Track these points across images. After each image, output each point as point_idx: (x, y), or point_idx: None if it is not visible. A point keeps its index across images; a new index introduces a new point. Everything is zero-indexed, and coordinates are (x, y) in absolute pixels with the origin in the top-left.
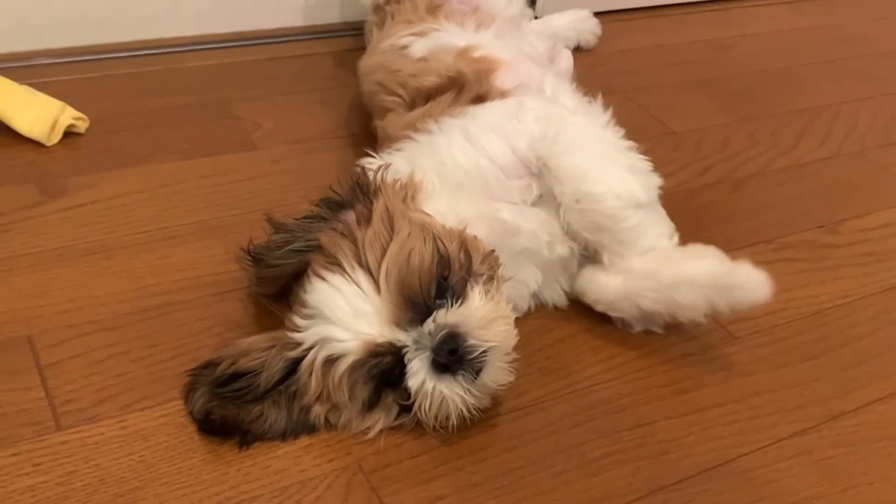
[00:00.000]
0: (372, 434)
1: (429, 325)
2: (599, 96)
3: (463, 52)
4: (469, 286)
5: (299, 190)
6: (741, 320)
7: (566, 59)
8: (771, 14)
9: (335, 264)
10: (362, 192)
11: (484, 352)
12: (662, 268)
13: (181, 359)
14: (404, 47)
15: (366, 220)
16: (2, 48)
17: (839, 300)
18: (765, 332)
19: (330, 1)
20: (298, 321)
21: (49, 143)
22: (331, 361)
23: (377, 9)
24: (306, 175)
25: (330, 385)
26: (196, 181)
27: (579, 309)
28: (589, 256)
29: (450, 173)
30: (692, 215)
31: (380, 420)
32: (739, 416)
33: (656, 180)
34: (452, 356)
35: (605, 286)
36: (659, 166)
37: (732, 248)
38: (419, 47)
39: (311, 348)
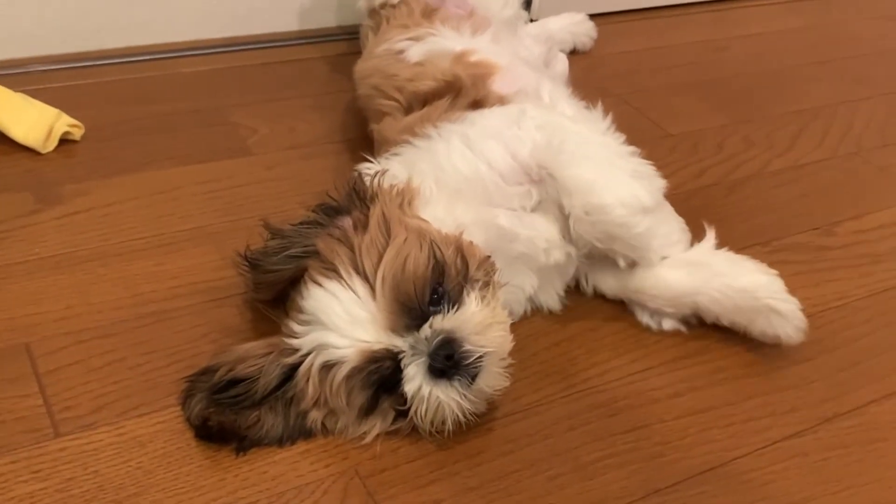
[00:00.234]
0: (369, 439)
1: (425, 330)
2: (599, 103)
3: (459, 57)
4: (465, 292)
5: (295, 196)
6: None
7: (561, 63)
8: (767, 15)
9: (332, 270)
10: (359, 198)
11: (480, 357)
12: (729, 269)
13: (178, 365)
14: (400, 52)
15: (362, 226)
16: None
17: (835, 302)
18: None
19: (325, 5)
20: (295, 327)
21: (45, 151)
22: (328, 367)
23: (373, 13)
24: (302, 181)
25: (327, 391)
26: (191, 188)
27: (574, 313)
28: (590, 260)
29: (448, 179)
30: (688, 217)
31: (376, 425)
32: (734, 418)
33: (660, 183)
34: (448, 361)
35: (670, 282)
36: (655, 168)
37: (729, 251)
38: (415, 52)
39: (308, 354)
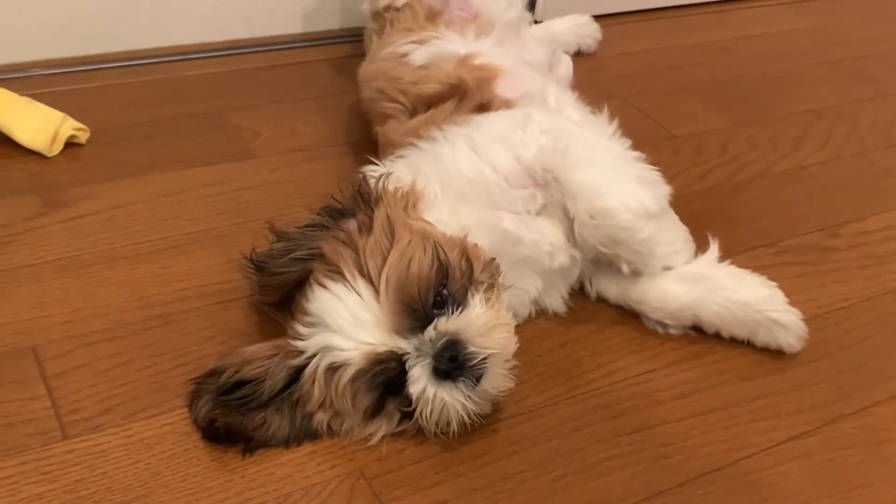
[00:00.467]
0: (374, 440)
1: (430, 332)
2: (605, 108)
3: (464, 60)
4: (470, 294)
5: (299, 198)
6: None
7: (566, 65)
8: (771, 16)
9: (336, 272)
10: (364, 201)
11: (484, 359)
12: (731, 283)
13: (184, 368)
14: (405, 55)
15: (367, 228)
16: (0, 59)
17: (839, 304)
18: None
19: (328, 8)
20: (301, 329)
21: (50, 155)
22: (333, 369)
23: (376, 15)
24: (306, 183)
25: (332, 393)
26: (196, 190)
27: (579, 315)
28: (595, 265)
29: (453, 182)
30: (692, 219)
31: (382, 427)
32: (739, 419)
33: (665, 189)
34: (453, 363)
35: (672, 295)
36: (660, 170)
37: (733, 253)
38: (420, 55)
39: (313, 356)
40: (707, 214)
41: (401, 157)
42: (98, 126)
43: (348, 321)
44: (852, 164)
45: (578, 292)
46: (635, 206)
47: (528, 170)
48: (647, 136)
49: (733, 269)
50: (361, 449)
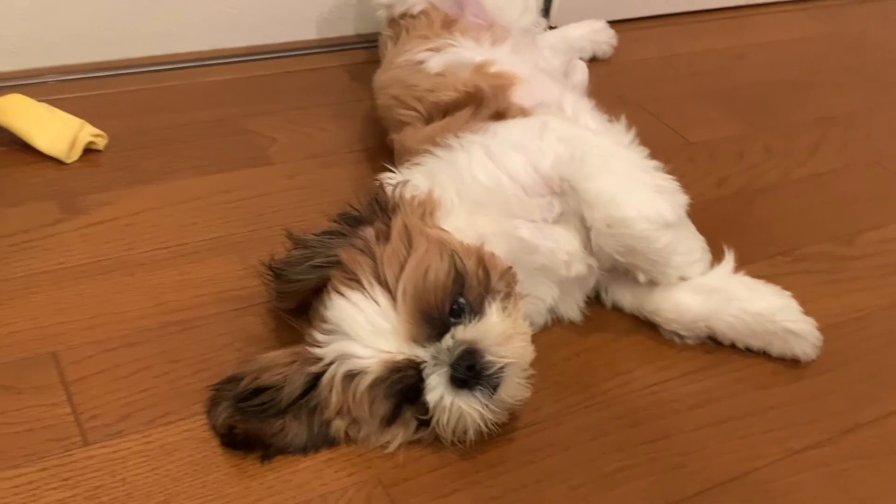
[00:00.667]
0: (391, 448)
1: (447, 340)
2: (623, 117)
3: (480, 68)
4: (487, 302)
5: (315, 205)
6: None
7: (581, 72)
8: (786, 22)
9: (354, 280)
10: (381, 209)
11: (501, 368)
12: (745, 294)
13: (203, 374)
14: (420, 62)
15: (384, 236)
16: (16, 65)
17: (855, 312)
18: None
19: (343, 14)
20: (318, 336)
21: (69, 161)
22: (350, 377)
23: (392, 22)
24: (322, 190)
25: (350, 400)
26: (213, 197)
27: (595, 324)
28: (611, 274)
29: (470, 190)
30: (708, 227)
31: (399, 434)
32: (754, 428)
33: (683, 199)
34: (470, 372)
35: (686, 306)
36: (675, 178)
37: (749, 261)
38: (436, 63)
39: (331, 364)
40: (723, 222)
41: (417, 164)
42: (115, 132)
43: (366, 329)
44: (868, 171)
45: (594, 301)
46: (652, 216)
47: (544, 178)
48: (661, 142)
49: (747, 279)
50: (379, 456)
